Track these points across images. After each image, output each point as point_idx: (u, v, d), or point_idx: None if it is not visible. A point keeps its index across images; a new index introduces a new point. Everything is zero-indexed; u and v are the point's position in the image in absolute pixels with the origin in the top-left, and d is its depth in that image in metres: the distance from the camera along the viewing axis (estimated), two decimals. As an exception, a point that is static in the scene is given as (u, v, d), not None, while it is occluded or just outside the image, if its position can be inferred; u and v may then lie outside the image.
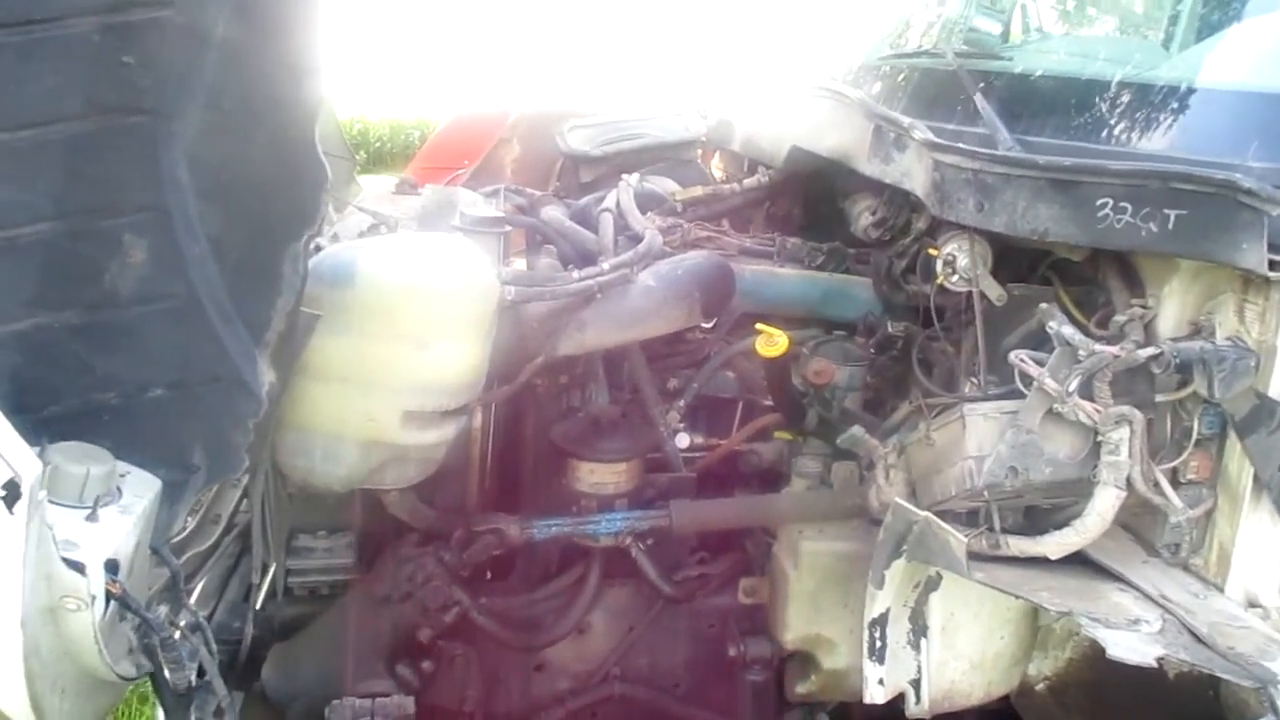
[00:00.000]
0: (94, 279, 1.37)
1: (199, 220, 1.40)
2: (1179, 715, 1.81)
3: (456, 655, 2.10)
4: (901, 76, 2.50)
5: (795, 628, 2.10)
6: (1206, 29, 2.06)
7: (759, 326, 2.18)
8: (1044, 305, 1.66)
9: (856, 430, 1.94)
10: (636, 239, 2.18)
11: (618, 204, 2.36)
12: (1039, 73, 2.09)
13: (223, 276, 1.44)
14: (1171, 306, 1.64)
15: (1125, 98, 1.83)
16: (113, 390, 1.43)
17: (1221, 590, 1.61)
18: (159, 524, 1.43)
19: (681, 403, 2.24)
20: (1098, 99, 1.87)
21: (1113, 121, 1.83)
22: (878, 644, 1.81)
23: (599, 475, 2.10)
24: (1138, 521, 1.72)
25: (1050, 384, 1.58)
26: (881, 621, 1.80)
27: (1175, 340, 1.59)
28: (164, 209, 1.37)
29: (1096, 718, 2.05)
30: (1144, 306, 1.65)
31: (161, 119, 1.34)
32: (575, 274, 2.00)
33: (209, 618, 2.04)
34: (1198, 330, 1.62)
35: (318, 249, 1.76)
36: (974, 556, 1.64)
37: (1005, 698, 2.05)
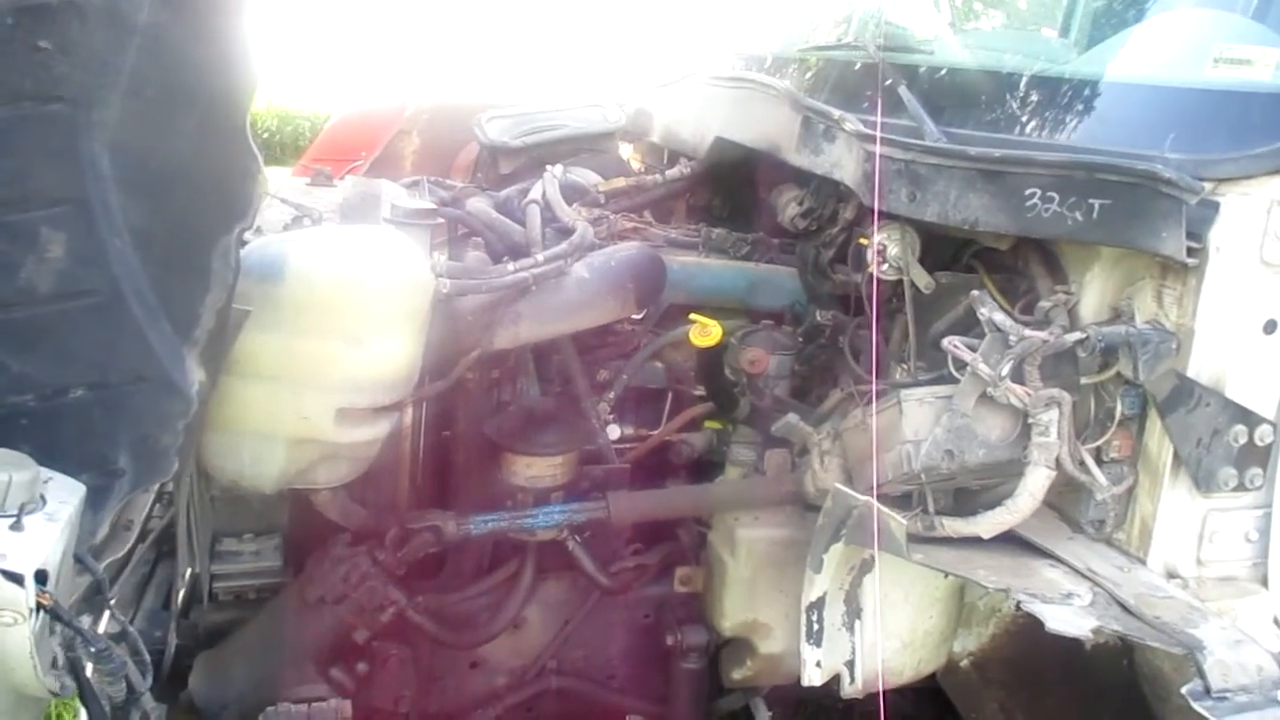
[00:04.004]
0: (8, 275, 1.31)
1: (122, 212, 1.35)
2: (1095, 684, 1.88)
3: (392, 655, 2.06)
4: (811, 73, 2.53)
5: (733, 614, 2.12)
6: (1106, 24, 2.14)
7: (693, 316, 2.19)
8: (975, 293, 1.70)
9: (791, 418, 1.96)
10: (565, 231, 2.17)
11: (544, 196, 2.34)
12: (960, 66, 2.14)
13: (148, 271, 1.39)
14: (1093, 292, 1.69)
15: (1046, 92, 1.88)
16: (30, 392, 1.37)
17: (1144, 563, 1.67)
18: (82, 531, 1.38)
19: (611, 394, 2.24)
20: (1018, 93, 1.92)
21: (1033, 115, 1.88)
22: (815, 627, 1.84)
23: (535, 469, 2.08)
24: (1062, 499, 1.77)
25: (983, 369, 1.62)
26: (819, 605, 1.83)
27: (1099, 325, 1.65)
28: (84, 201, 1.32)
29: (1018, 690, 2.11)
30: (1067, 293, 1.70)
31: (80, 107, 1.29)
32: (510, 266, 1.97)
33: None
34: (1118, 315, 1.68)
35: (243, 243, 1.70)
36: (910, 538, 1.67)
37: (932, 675, 2.11)
